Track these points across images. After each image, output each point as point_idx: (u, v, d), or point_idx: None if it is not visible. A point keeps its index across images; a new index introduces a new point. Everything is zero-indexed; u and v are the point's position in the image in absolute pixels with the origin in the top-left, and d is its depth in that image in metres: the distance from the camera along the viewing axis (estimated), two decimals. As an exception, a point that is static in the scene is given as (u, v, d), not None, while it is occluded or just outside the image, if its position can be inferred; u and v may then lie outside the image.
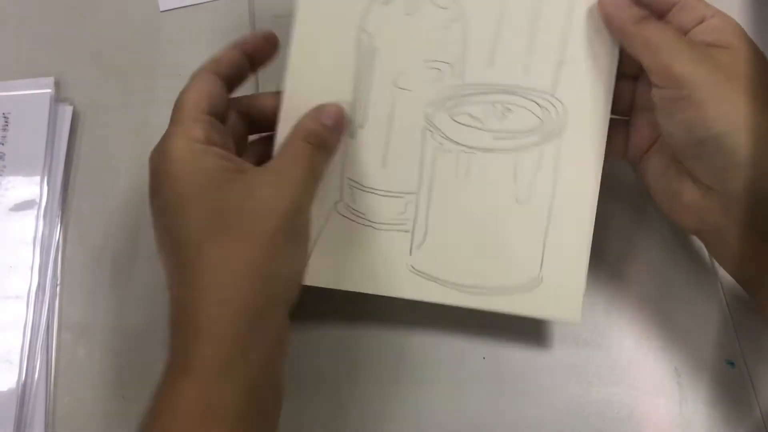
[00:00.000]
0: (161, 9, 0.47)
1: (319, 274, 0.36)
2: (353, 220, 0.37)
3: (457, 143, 0.36)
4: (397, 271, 0.36)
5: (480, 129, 0.36)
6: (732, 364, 0.39)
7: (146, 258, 0.40)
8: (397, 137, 0.37)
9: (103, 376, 0.38)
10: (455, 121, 0.36)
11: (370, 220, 0.37)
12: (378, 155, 0.37)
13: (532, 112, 0.37)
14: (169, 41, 0.46)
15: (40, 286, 0.39)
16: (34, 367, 0.37)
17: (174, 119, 0.33)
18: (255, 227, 0.30)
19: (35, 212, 0.40)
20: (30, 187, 0.41)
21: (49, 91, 0.43)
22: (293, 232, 0.31)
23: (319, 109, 0.34)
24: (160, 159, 0.32)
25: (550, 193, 0.37)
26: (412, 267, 0.37)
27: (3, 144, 0.42)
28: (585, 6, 0.36)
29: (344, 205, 0.37)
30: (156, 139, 0.43)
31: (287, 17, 0.47)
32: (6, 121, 0.42)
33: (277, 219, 0.30)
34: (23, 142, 0.42)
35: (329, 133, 0.34)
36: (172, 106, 0.44)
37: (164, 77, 0.45)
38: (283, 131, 0.35)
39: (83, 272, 0.40)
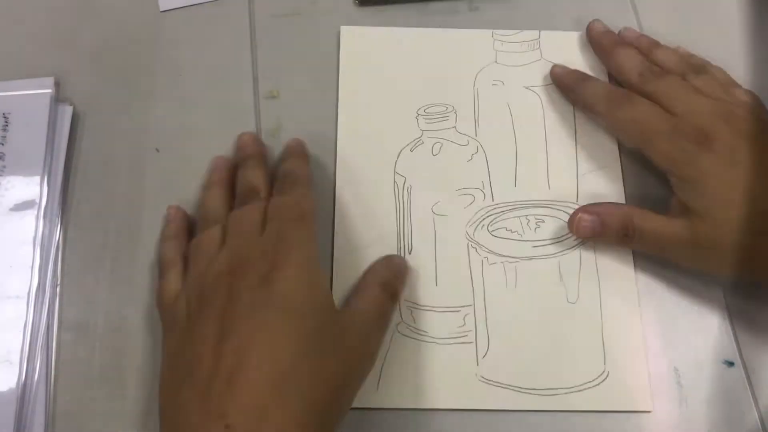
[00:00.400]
0: (161, 9, 0.47)
1: (388, 395, 0.37)
2: (416, 339, 0.38)
3: (501, 255, 0.40)
4: (466, 382, 0.37)
5: (519, 240, 0.40)
6: (731, 363, 0.39)
7: (146, 258, 0.40)
8: (444, 257, 0.40)
9: (103, 376, 0.38)
10: (495, 236, 0.40)
11: (432, 337, 0.38)
12: (429, 275, 0.40)
13: (563, 221, 0.40)
14: (169, 41, 0.46)
15: (40, 286, 0.39)
16: (34, 367, 0.37)
17: (300, 224, 0.35)
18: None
19: (35, 212, 0.40)
20: (30, 187, 0.41)
21: (49, 91, 0.43)
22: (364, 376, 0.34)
23: (389, 259, 0.39)
24: (282, 255, 0.33)
25: (596, 290, 0.39)
26: (482, 377, 0.37)
27: (3, 144, 0.42)
28: (585, 126, 0.43)
29: (405, 325, 0.39)
30: (156, 138, 0.43)
31: (285, 17, 0.47)
32: (6, 121, 0.42)
33: (358, 361, 0.34)
34: (23, 142, 0.42)
35: (399, 283, 0.38)
36: (171, 106, 0.44)
37: (164, 77, 0.45)
38: (338, 270, 0.39)
39: (83, 272, 0.40)
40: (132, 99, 0.44)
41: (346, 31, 0.45)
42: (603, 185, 0.42)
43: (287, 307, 0.31)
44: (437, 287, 0.39)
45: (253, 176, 0.39)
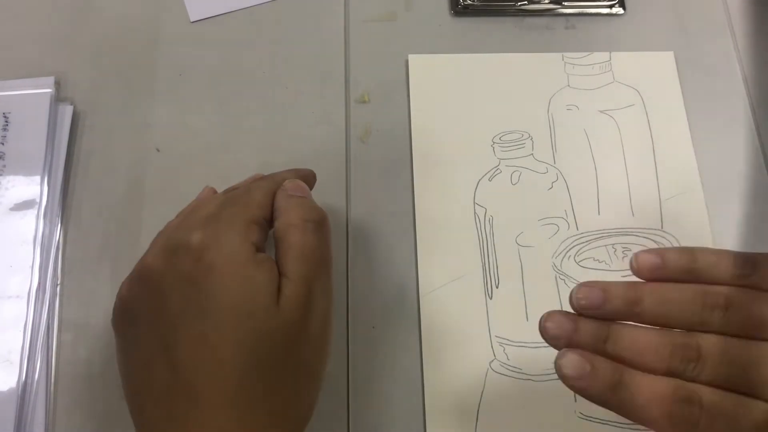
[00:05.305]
0: (192, 20, 0.46)
1: None
2: (511, 377, 0.38)
3: None
4: (565, 419, 0.37)
5: (607, 270, 0.39)
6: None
7: (146, 258, 0.40)
8: (532, 290, 0.39)
9: (103, 376, 0.38)
10: (582, 266, 0.39)
11: (527, 374, 0.38)
12: (519, 310, 0.39)
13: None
14: (169, 41, 0.46)
15: (41, 286, 0.39)
16: (34, 367, 0.37)
17: (234, 211, 0.31)
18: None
19: (35, 212, 0.40)
20: (30, 186, 0.41)
21: (49, 90, 0.43)
22: None
23: (288, 190, 0.33)
24: (209, 243, 0.29)
25: None
26: (580, 413, 0.37)
27: (3, 144, 0.42)
28: (664, 150, 0.42)
29: (498, 363, 0.38)
30: (156, 138, 0.43)
31: (379, 22, 0.46)
32: (6, 121, 0.42)
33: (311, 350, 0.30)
34: (23, 141, 0.42)
35: (316, 212, 0.33)
36: (171, 106, 0.44)
37: (164, 77, 0.45)
38: (425, 305, 0.39)
39: (83, 272, 0.40)
40: (132, 99, 0.44)
41: (414, 59, 0.45)
42: (687, 210, 0.41)
43: (220, 316, 0.28)
44: (528, 322, 0.39)
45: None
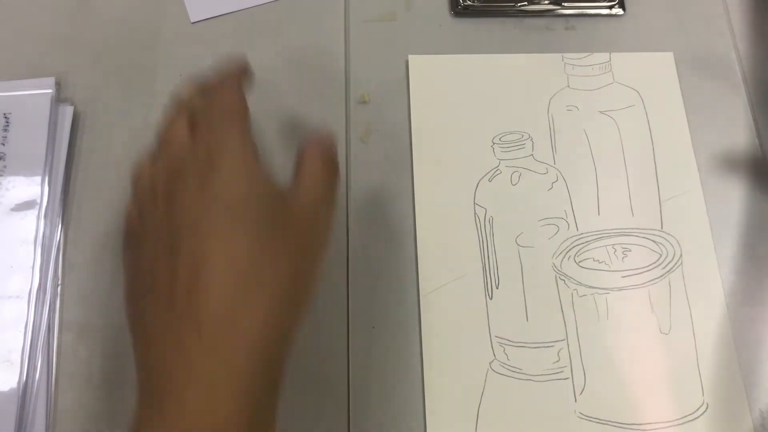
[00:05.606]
0: (192, 20, 0.46)
1: None
2: (511, 377, 0.38)
3: (590, 287, 0.39)
4: (565, 419, 0.37)
5: (607, 270, 0.40)
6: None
7: (146, 258, 0.40)
8: (532, 291, 0.39)
9: (103, 376, 0.38)
10: (582, 267, 0.40)
11: (527, 374, 0.38)
12: (519, 310, 0.39)
13: (650, 249, 0.40)
14: (169, 42, 0.46)
15: (41, 286, 0.39)
16: (34, 367, 0.37)
17: (230, 122, 0.33)
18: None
19: (36, 212, 0.40)
20: (31, 187, 0.41)
21: (49, 91, 0.43)
22: None
23: (318, 132, 0.35)
24: (230, 159, 0.31)
25: (688, 319, 0.39)
26: (580, 413, 0.37)
27: (4, 144, 0.42)
28: (664, 150, 0.42)
29: (499, 363, 0.38)
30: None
31: (380, 22, 0.46)
32: (7, 121, 0.42)
33: (313, 244, 0.32)
34: (24, 142, 0.42)
35: (336, 154, 0.36)
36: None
37: (164, 77, 0.45)
38: (426, 306, 0.39)
39: (83, 272, 0.40)
40: (132, 99, 0.44)
41: (414, 60, 0.45)
42: (686, 210, 0.41)
43: (229, 204, 0.30)
44: (528, 322, 0.39)
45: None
